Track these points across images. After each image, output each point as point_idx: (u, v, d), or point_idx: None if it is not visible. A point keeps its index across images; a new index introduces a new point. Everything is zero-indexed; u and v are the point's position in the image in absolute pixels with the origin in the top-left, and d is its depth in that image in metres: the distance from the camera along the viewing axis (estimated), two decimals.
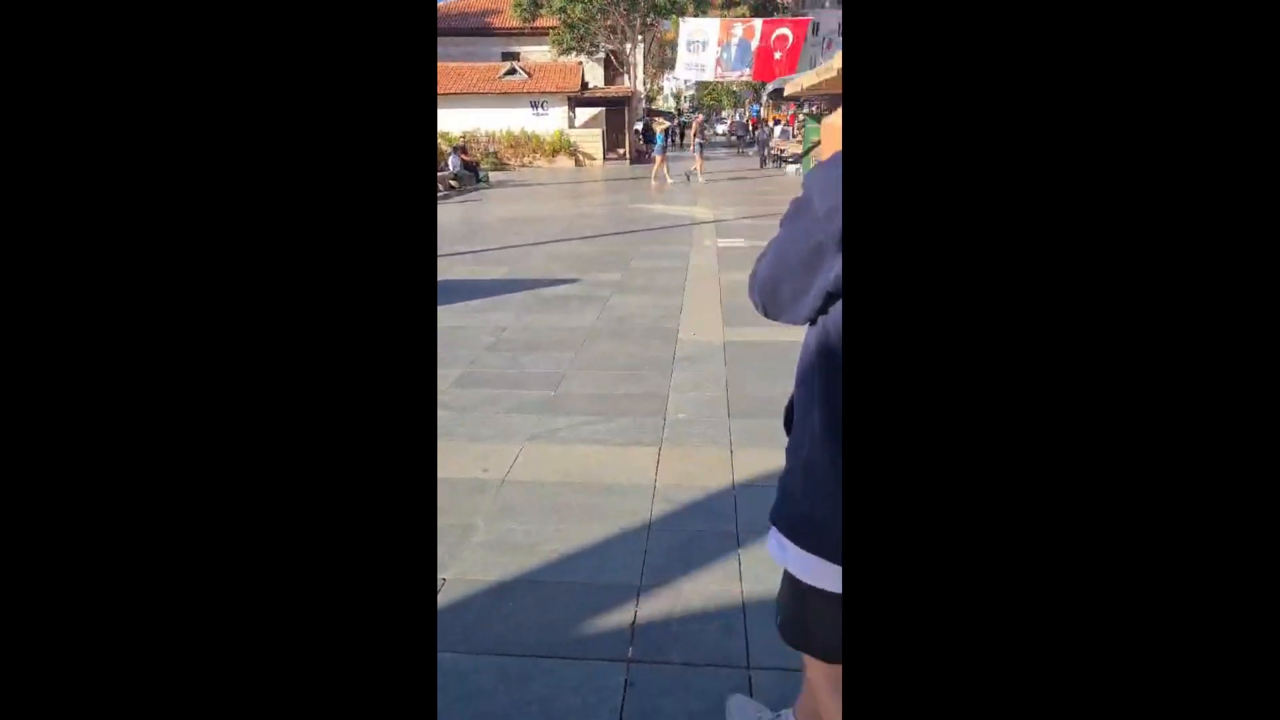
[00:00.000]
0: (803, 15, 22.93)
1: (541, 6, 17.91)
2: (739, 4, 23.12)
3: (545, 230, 7.69)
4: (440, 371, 3.19)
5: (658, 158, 13.55)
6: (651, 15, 18.36)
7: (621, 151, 19.74)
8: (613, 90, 19.86)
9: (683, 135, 26.13)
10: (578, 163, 18.75)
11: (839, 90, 12.76)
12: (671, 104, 43.67)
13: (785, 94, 14.17)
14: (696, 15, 19.42)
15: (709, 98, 42.82)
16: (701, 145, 15.03)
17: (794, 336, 3.74)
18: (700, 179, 13.22)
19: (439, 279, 4.20)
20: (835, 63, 9.27)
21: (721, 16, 20.15)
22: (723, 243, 6.61)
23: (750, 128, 27.41)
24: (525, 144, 18.47)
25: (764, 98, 24.18)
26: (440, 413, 2.74)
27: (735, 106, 42.38)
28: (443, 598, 1.69)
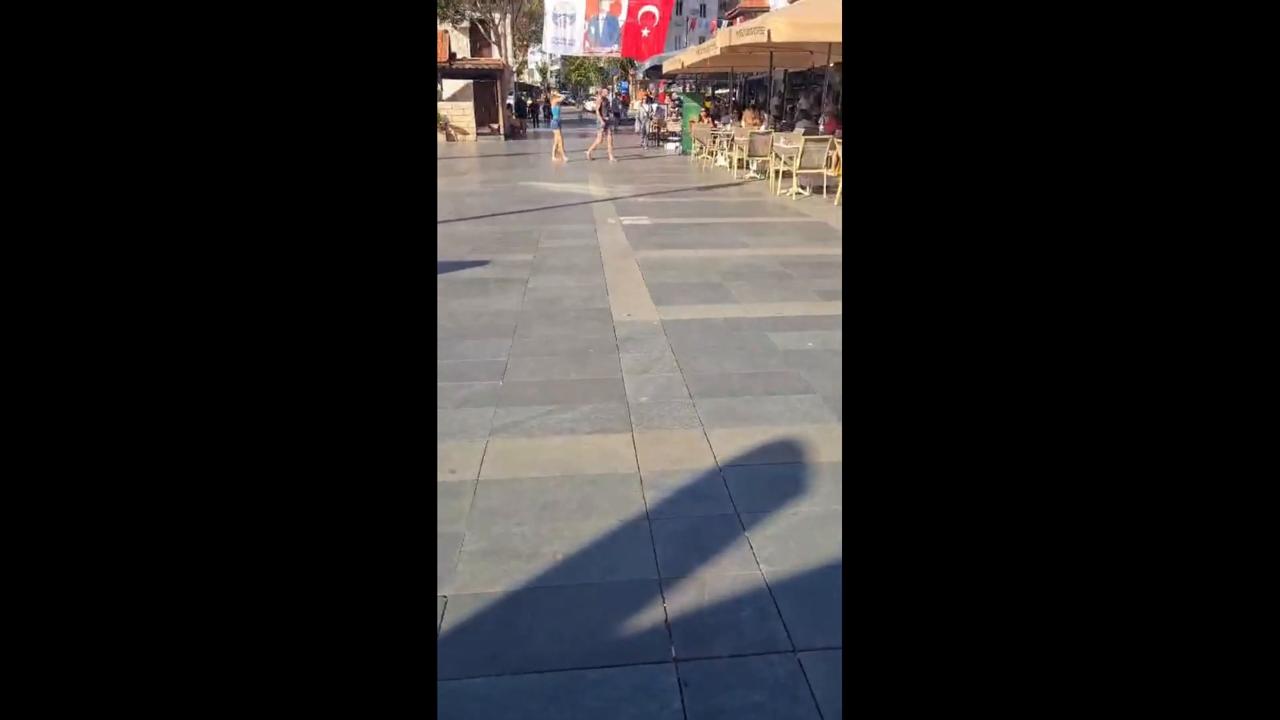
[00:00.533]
0: None
1: None
2: None
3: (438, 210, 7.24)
4: None
5: (555, 133, 13.07)
6: None
7: (495, 126, 19.00)
8: (484, 62, 19.00)
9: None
10: (449, 138, 17.83)
11: (722, 68, 12.92)
12: (538, 78, 42.53)
13: (664, 70, 14.23)
14: None
15: (577, 74, 42.18)
16: (610, 123, 14.52)
17: (729, 314, 3.80)
18: (611, 159, 12.84)
19: None
20: (718, 40, 9.41)
21: None
22: (626, 220, 6.55)
23: (624, 105, 27.36)
24: None
25: (638, 74, 24.17)
26: None
27: (604, 83, 42.10)
28: (450, 618, 1.53)
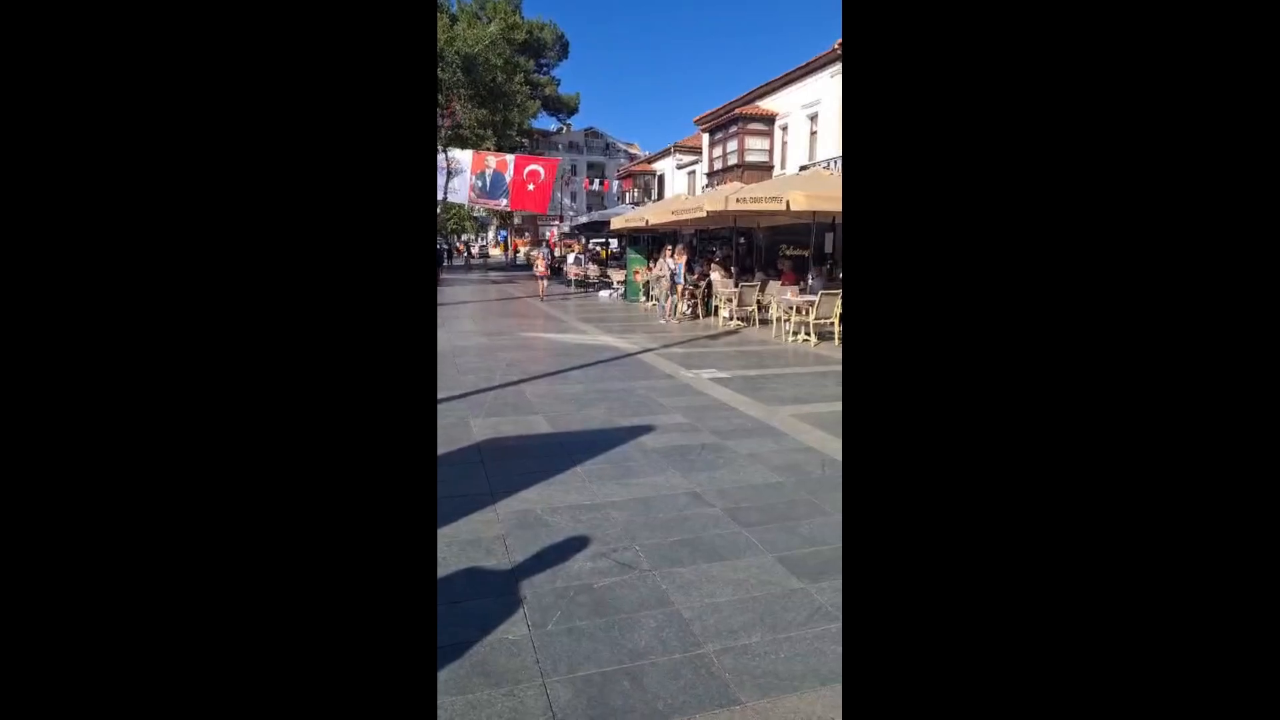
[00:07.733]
0: (548, 155, 25.44)
1: None
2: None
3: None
4: None
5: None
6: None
7: None
8: None
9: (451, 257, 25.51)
10: None
11: (685, 226, 13.53)
12: None
13: (614, 226, 14.90)
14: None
15: (452, 221, 42.92)
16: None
17: None
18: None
19: None
20: (705, 204, 10.07)
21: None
22: (706, 374, 6.47)
23: (515, 251, 28.17)
24: None
25: (561, 226, 25.06)
26: None
27: (478, 231, 43.11)
28: None
